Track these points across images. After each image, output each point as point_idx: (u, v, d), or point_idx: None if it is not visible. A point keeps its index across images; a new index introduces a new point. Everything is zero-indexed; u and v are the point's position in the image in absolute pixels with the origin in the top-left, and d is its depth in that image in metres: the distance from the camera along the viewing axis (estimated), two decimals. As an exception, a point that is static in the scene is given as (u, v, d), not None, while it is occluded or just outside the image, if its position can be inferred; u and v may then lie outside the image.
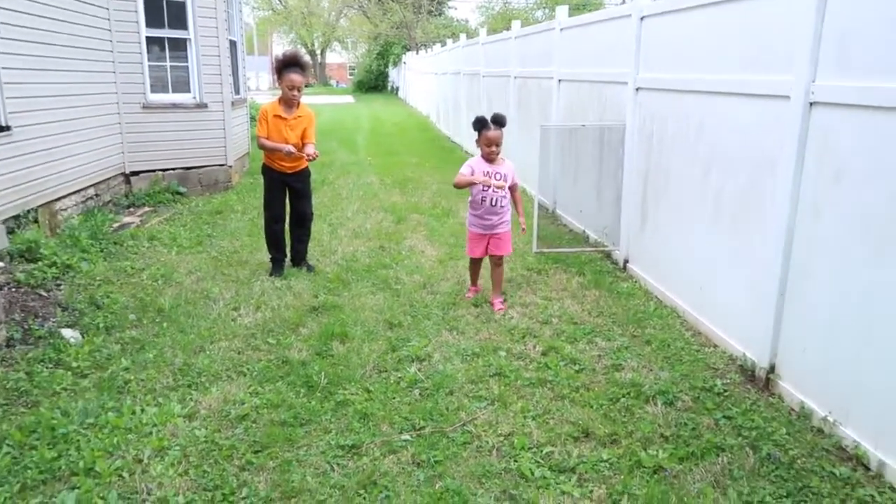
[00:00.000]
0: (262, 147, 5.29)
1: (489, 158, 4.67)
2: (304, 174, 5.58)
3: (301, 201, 5.62)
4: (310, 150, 5.31)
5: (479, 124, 4.63)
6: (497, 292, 4.94)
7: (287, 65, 5.15)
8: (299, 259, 5.76)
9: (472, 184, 4.66)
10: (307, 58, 5.47)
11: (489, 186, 4.64)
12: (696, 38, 4.47)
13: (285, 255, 5.72)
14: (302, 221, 5.69)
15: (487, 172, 4.64)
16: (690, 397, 3.55)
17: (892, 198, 2.82)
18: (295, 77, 5.13)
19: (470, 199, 4.82)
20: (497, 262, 4.89)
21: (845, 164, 3.09)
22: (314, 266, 5.75)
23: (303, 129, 5.34)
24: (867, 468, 2.92)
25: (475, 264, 5.05)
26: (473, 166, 4.69)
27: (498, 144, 4.63)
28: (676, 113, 4.77)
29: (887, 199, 2.85)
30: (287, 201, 5.61)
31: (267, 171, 5.49)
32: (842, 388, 3.13)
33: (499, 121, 4.61)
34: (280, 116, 5.23)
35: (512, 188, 4.80)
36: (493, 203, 4.71)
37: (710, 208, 4.31)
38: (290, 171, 5.45)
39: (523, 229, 4.93)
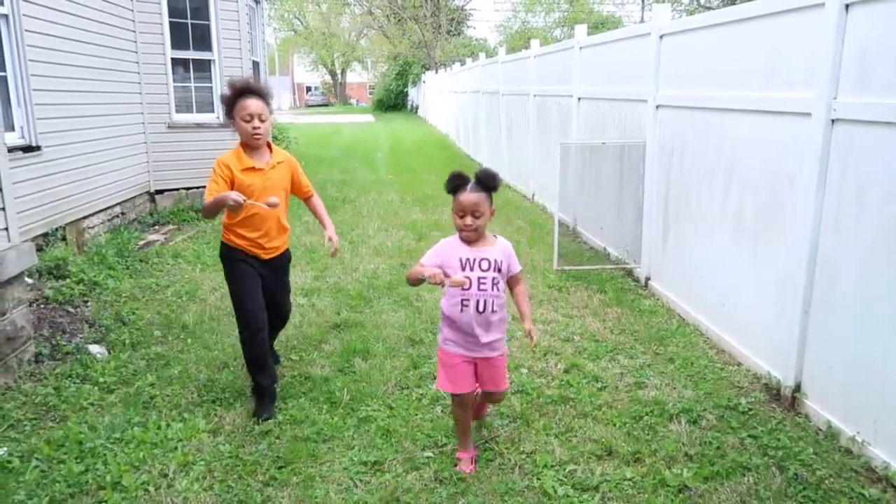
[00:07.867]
0: (205, 210, 3.33)
1: (467, 238, 2.89)
2: (286, 259, 3.78)
3: (281, 297, 3.84)
4: (330, 232, 3.70)
5: (453, 184, 2.89)
6: (480, 415, 3.41)
7: (239, 93, 3.41)
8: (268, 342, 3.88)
9: (421, 281, 2.84)
10: (266, 84, 3.74)
11: (458, 286, 2.81)
12: (716, 56, 4.48)
13: (275, 381, 3.76)
14: (282, 319, 3.99)
15: (468, 259, 2.86)
16: (715, 416, 3.52)
17: (919, 214, 2.81)
18: (250, 102, 3.39)
19: (443, 304, 2.97)
20: (493, 398, 3.25)
21: (868, 179, 3.08)
22: (280, 356, 4.24)
23: (290, 180, 3.63)
24: (897, 489, 2.87)
25: (460, 408, 3.07)
26: (445, 253, 2.90)
27: (475, 215, 2.82)
28: (697, 130, 4.77)
29: (913, 215, 2.83)
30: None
31: (230, 256, 3.56)
32: (870, 407, 3.08)
33: (484, 181, 2.87)
34: (253, 168, 3.43)
35: (512, 282, 3.00)
36: (482, 308, 2.87)
37: (732, 225, 4.30)
38: (266, 257, 3.58)
39: (532, 342, 2.99)
